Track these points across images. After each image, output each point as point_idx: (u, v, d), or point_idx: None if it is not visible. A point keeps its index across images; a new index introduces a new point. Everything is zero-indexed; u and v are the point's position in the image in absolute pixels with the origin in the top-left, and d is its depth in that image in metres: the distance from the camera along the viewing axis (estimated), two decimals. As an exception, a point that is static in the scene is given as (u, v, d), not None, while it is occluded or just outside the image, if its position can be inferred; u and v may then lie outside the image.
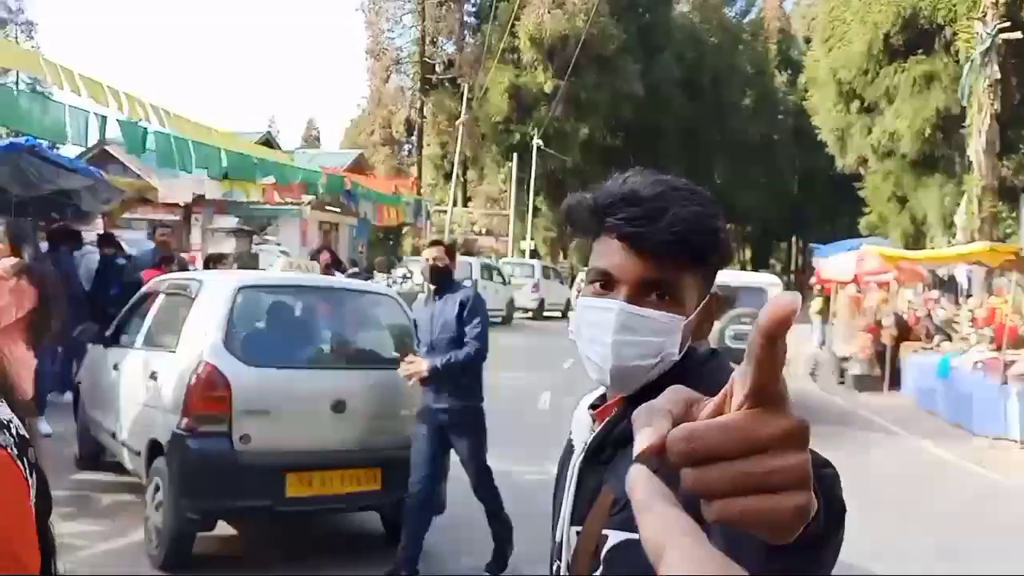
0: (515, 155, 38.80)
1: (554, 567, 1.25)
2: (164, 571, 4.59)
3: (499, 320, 23.96)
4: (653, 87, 42.41)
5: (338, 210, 29.33)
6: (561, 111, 38.81)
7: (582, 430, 1.26)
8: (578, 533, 1.17)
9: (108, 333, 6.37)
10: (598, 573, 1.11)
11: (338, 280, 6.96)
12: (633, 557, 1.08)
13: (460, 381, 4.82)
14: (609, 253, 1.17)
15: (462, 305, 4.79)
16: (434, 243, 5.16)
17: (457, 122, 37.11)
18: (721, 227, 1.17)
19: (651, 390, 1.18)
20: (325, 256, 21.12)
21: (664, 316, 1.15)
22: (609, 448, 1.18)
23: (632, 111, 41.45)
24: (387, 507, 5.12)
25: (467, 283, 5.32)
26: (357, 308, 5.77)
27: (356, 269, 20.18)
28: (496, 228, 43.25)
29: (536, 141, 37.53)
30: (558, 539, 1.24)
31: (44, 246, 8.85)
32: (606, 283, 1.18)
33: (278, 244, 26.16)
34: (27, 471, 1.00)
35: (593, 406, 1.28)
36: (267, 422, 4.61)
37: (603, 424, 1.21)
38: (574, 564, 1.17)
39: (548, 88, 39.49)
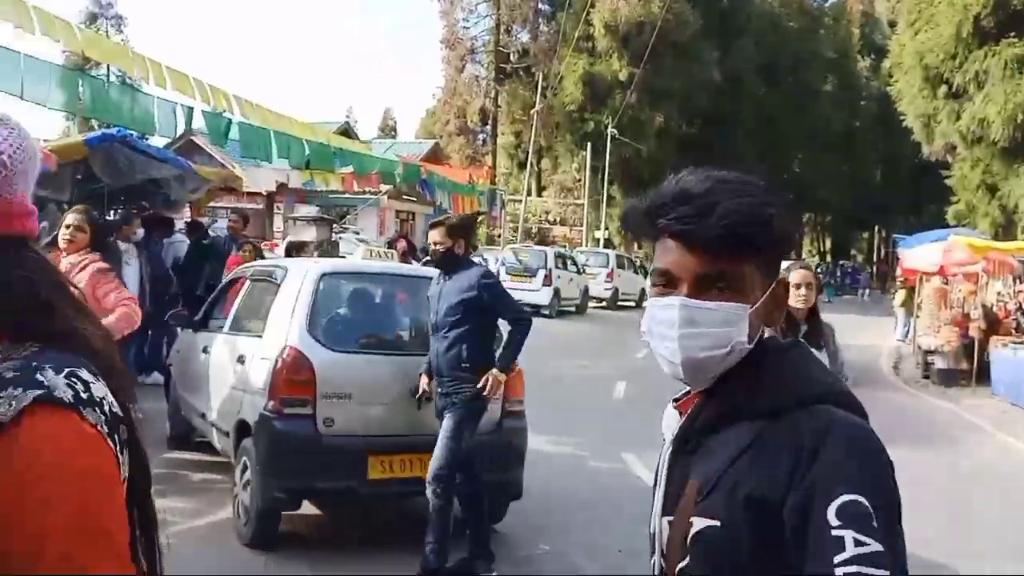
0: (589, 144, 38.59)
1: (652, 560, 1.27)
2: (252, 547, 4.76)
3: (572, 310, 23.90)
4: (731, 74, 41.62)
5: (414, 199, 29.69)
6: (636, 99, 38.37)
7: (671, 423, 1.30)
8: (670, 523, 1.21)
9: (197, 318, 6.61)
10: (685, 562, 1.14)
11: (416, 268, 7.06)
12: (715, 543, 1.11)
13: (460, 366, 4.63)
14: (666, 253, 1.21)
15: (471, 287, 4.61)
16: (434, 225, 4.95)
17: (531, 111, 37.14)
18: (776, 215, 1.18)
19: (727, 379, 1.21)
20: (402, 244, 21.39)
21: (726, 306, 1.18)
22: (693, 439, 1.22)
23: (709, 98, 40.78)
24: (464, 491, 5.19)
25: (479, 261, 5.06)
26: None
27: (429, 257, 20.40)
28: (570, 217, 43.18)
29: (611, 129, 37.23)
30: (652, 530, 1.27)
31: (140, 232, 9.18)
32: (668, 282, 1.22)
33: (357, 232, 26.63)
34: (118, 449, 1.01)
35: (677, 399, 1.31)
36: (349, 406, 4.72)
37: (686, 416, 1.25)
38: (667, 555, 1.20)
39: (623, 76, 39.12)
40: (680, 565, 1.16)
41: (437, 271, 4.90)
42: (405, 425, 4.86)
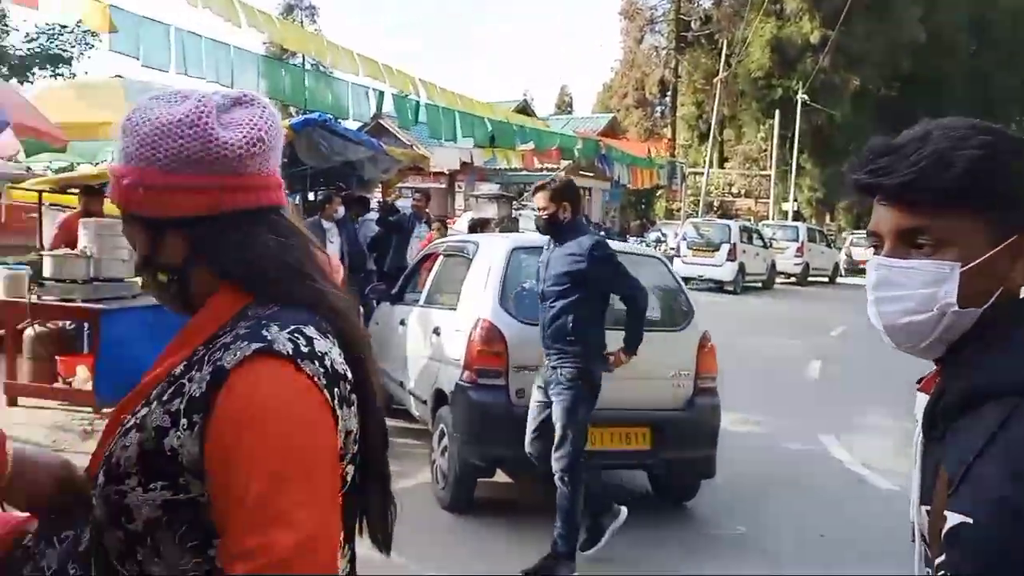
0: (777, 111, 36.90)
1: (916, 549, 1.16)
2: (450, 511, 4.93)
3: (759, 285, 23.05)
4: (935, 32, 38.30)
5: (591, 175, 29.63)
6: (829, 62, 36.21)
7: (920, 405, 1.17)
8: (927, 512, 1.08)
9: (394, 292, 6.89)
10: (942, 558, 1.00)
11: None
12: (971, 543, 0.94)
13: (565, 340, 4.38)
14: (875, 211, 1.13)
15: (579, 258, 4.35)
16: (537, 189, 4.69)
17: (714, 80, 35.93)
18: (1001, 162, 1.04)
19: (961, 349, 1.07)
20: (579, 220, 21.21)
21: (926, 264, 1.06)
22: (940, 423, 1.07)
23: (910, 59, 37.78)
24: (656, 466, 5.12)
25: (590, 230, 4.72)
26: None
27: (603, 233, 20.30)
28: (755, 189, 41.55)
29: (801, 95, 35.40)
30: (912, 519, 1.16)
31: (341, 211, 9.69)
32: (877, 243, 1.13)
33: (535, 209, 27.01)
34: (336, 403, 1.06)
35: (920, 380, 1.19)
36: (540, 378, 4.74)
37: (930, 397, 1.11)
38: (931, 545, 1.07)
39: (815, 39, 37.01)
40: (937, 560, 1.03)
41: (547, 238, 4.69)
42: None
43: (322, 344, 1.08)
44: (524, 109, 29.69)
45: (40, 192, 11.33)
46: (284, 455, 0.99)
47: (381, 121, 22.94)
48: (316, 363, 1.05)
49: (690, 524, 5.18)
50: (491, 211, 25.74)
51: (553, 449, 4.28)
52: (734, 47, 37.03)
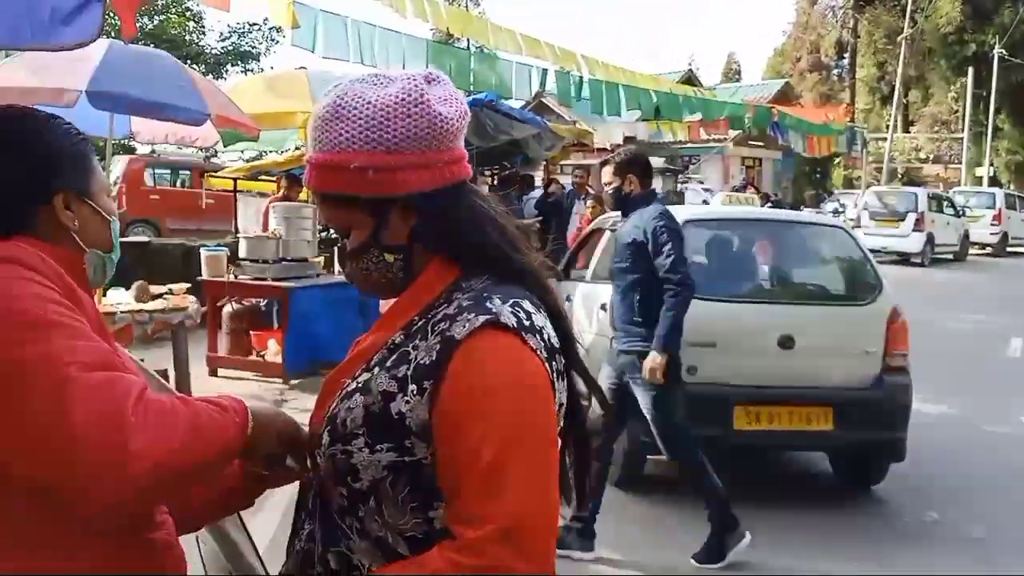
0: (970, 69, 34.01)
1: None
2: (618, 487, 4.92)
3: (949, 257, 21.50)
4: None
5: (761, 144, 28.50)
6: (1031, 12, 32.95)
7: None
8: None
9: (561, 267, 6.92)
10: None
11: (784, 213, 6.72)
12: None
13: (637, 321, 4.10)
14: None
15: (639, 228, 4.10)
16: (604, 163, 4.40)
17: (898, 38, 33.45)
18: None
19: None
20: (749, 190, 20.71)
21: None
22: None
23: None
24: (839, 449, 4.89)
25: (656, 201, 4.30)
26: (804, 241, 5.54)
27: (770, 204, 19.46)
28: (945, 154, 38.51)
29: (997, 50, 32.38)
30: None
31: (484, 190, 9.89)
32: None
33: (701, 182, 26.30)
34: (554, 376, 1.11)
35: None
36: (713, 354, 4.63)
37: None
38: None
39: (1013, -14, 33.77)
40: None
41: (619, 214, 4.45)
42: (773, 376, 4.66)
43: (538, 318, 1.14)
44: (689, 79, 28.90)
45: (235, 180, 12.24)
46: (516, 424, 1.04)
47: (543, 99, 23.05)
48: (537, 337, 1.10)
49: (875, 510, 4.90)
50: (656, 185, 25.38)
51: (658, 439, 4.14)
52: (919, 1, 34.34)
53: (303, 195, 8.54)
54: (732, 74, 52.72)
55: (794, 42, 47.09)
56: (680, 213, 5.63)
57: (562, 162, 25.55)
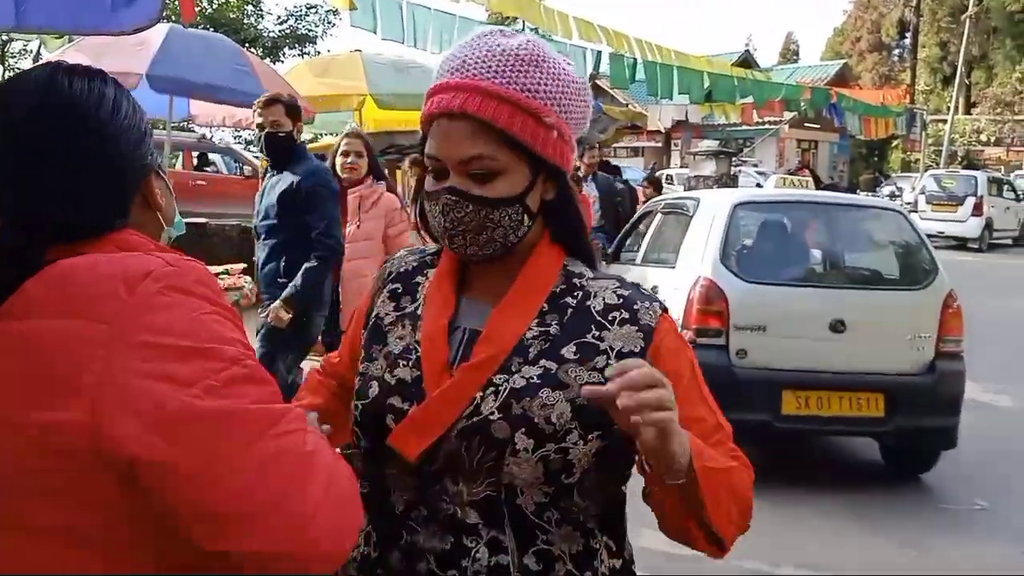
0: (1037, 48, 32.81)
1: None
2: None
3: (1008, 242, 20.91)
4: None
5: (817, 126, 27.96)
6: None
7: None
8: None
9: (611, 251, 6.93)
10: None
11: (838, 195, 6.63)
12: None
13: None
14: None
15: (292, 183, 3.89)
16: (270, 103, 4.07)
17: (963, 16, 32.44)
18: None
19: None
20: (803, 172, 20.31)
21: None
22: None
23: None
24: (890, 436, 4.84)
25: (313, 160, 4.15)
26: (857, 224, 5.49)
27: (824, 188, 18.99)
28: (1008, 136, 37.28)
29: (1066, 28, 31.19)
30: None
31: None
32: None
33: (755, 165, 25.93)
34: None
35: None
36: (763, 338, 4.63)
37: None
38: None
39: (1086, -39, 32.46)
40: None
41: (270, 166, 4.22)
42: (824, 361, 4.63)
43: None
44: (746, 61, 28.43)
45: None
46: (704, 387, 1.22)
47: (597, 81, 22.92)
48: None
49: (924, 497, 4.85)
50: (709, 168, 25.05)
51: None
52: (986, -22, 33.24)
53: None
54: (790, 55, 51.69)
55: (854, 21, 45.98)
56: (730, 195, 5.63)
57: (615, 144, 25.40)
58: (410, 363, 1.19)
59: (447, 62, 1.19)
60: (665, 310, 1.20)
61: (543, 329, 1.16)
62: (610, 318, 1.17)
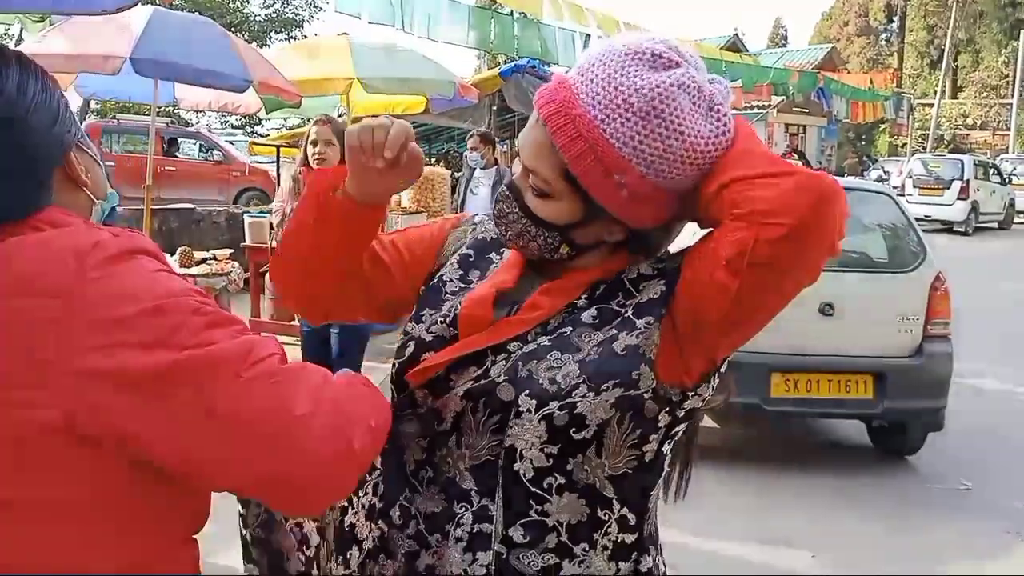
0: (1022, 32, 32.90)
1: None
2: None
3: (994, 226, 21.06)
4: None
5: (805, 111, 27.96)
6: (1090, -29, 31.75)
7: None
8: None
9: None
10: None
11: None
12: None
13: None
14: None
15: None
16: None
17: (950, 0, 32.51)
18: None
19: None
20: (791, 157, 20.32)
21: None
22: None
23: None
24: (878, 418, 4.88)
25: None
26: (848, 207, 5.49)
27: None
28: (993, 120, 37.49)
29: (1052, 12, 31.30)
30: None
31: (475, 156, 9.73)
32: None
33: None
34: None
35: None
36: (752, 321, 4.65)
37: None
38: None
39: (1072, -56, 32.53)
40: None
41: None
42: (811, 343, 4.65)
43: None
44: (734, 45, 28.36)
45: (278, 147, 12.35)
46: None
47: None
48: None
49: (907, 476, 4.89)
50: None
51: None
52: (973, -39, 33.29)
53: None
54: (779, 38, 51.64)
55: (842, 5, 45.97)
56: None
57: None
58: (447, 321, 1.19)
59: (588, 52, 1.13)
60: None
61: (570, 302, 1.17)
62: (640, 287, 1.15)
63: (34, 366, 0.84)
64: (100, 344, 0.84)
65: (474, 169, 7.99)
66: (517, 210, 1.15)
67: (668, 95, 1.03)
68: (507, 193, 1.17)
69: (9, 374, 0.84)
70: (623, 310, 1.13)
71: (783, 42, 47.54)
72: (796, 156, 23.43)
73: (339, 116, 11.10)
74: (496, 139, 8.80)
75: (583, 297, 1.16)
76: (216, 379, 0.87)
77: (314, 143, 4.42)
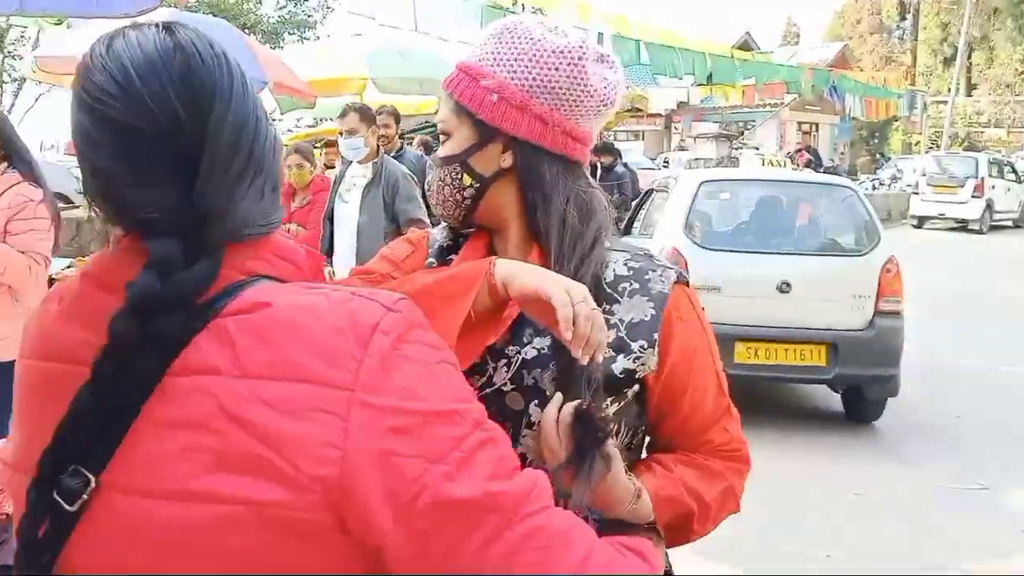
0: (1038, 29, 32.77)
1: None
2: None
3: (1009, 224, 21.01)
4: None
5: (818, 109, 28.13)
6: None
7: None
8: None
9: (622, 226, 7.27)
10: None
11: (792, 173, 7.27)
12: None
13: None
14: None
15: None
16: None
17: (963, -3, 32.50)
18: None
19: None
20: (804, 157, 20.46)
21: None
22: None
23: None
24: (832, 382, 5.42)
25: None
26: (810, 199, 6.09)
27: (823, 171, 18.99)
28: (1008, 117, 37.32)
29: (1068, 9, 31.13)
30: None
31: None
32: None
33: (756, 148, 26.15)
34: None
35: None
36: (718, 297, 5.16)
37: None
38: None
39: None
40: None
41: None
42: (771, 317, 5.18)
43: None
44: (746, 45, 28.62)
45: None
46: (716, 355, 1.24)
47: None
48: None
49: (926, 476, 4.84)
50: (709, 151, 25.31)
51: None
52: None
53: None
54: (792, 37, 51.66)
55: (855, 3, 45.90)
56: (699, 175, 6.20)
57: (616, 128, 25.56)
58: None
59: None
60: (681, 279, 1.19)
61: None
62: (620, 289, 1.17)
63: (307, 463, 0.71)
64: (387, 448, 0.72)
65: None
66: (436, 165, 1.23)
67: (518, 19, 1.19)
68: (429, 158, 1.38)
69: (262, 467, 0.71)
70: (610, 317, 1.14)
71: (795, 40, 47.57)
72: (808, 154, 23.62)
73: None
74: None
75: None
76: (484, 525, 0.73)
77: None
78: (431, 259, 1.30)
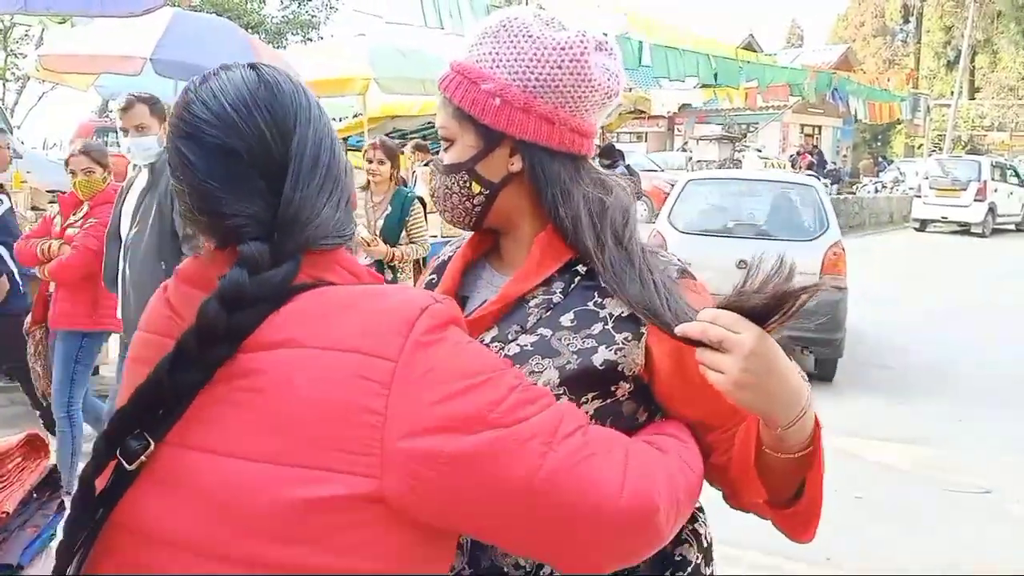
0: (1042, 32, 32.71)
1: None
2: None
3: (1011, 228, 20.94)
4: None
5: (820, 111, 28.10)
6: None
7: None
8: None
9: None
10: None
11: (763, 173, 9.03)
12: None
13: None
14: None
15: None
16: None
17: (967, 0, 32.45)
18: None
19: None
20: (805, 158, 20.40)
21: None
22: None
23: None
24: (786, 345, 5.81)
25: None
26: (777, 195, 7.29)
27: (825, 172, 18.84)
28: (1011, 121, 37.26)
29: (1071, 13, 31.08)
30: None
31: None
32: None
33: (759, 150, 26.13)
34: None
35: None
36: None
37: None
38: None
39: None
40: None
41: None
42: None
43: None
44: (749, 47, 28.56)
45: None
46: None
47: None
48: None
49: (928, 479, 4.84)
50: (712, 153, 25.29)
51: None
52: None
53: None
54: (795, 39, 51.65)
55: (859, 6, 45.89)
56: (688, 175, 7.58)
57: (619, 129, 25.54)
58: None
59: None
60: (684, 273, 1.18)
61: (547, 297, 1.15)
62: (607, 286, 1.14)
63: (355, 428, 0.80)
64: (431, 415, 0.81)
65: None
66: (438, 173, 1.21)
67: (513, 14, 1.15)
68: (432, 167, 1.25)
69: (325, 437, 0.80)
70: (600, 310, 1.13)
71: (799, 43, 47.54)
72: (811, 156, 23.62)
73: (354, 116, 11.17)
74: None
75: (558, 292, 1.15)
76: (526, 454, 0.83)
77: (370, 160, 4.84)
78: (432, 275, 1.32)
